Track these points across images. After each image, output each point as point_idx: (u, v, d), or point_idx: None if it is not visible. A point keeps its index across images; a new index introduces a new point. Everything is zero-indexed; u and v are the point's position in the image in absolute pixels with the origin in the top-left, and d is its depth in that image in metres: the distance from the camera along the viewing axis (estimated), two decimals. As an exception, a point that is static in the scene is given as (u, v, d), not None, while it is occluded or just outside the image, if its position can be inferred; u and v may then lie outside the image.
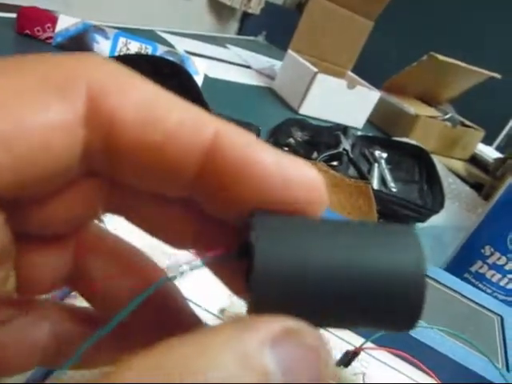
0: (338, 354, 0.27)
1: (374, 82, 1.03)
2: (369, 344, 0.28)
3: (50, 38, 0.68)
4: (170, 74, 0.47)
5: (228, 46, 1.29)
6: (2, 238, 0.10)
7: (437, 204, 0.64)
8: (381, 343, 0.28)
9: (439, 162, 0.87)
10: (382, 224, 0.11)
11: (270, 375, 0.08)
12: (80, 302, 0.14)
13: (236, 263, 0.11)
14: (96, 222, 0.13)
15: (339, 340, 0.29)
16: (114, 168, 0.10)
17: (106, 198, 0.12)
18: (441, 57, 0.96)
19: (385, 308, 0.10)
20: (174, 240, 0.13)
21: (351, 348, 0.28)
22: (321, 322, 0.10)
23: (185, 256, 0.18)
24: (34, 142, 0.09)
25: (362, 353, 0.28)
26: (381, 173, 0.69)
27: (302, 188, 0.10)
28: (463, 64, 0.99)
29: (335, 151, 0.63)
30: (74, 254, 0.12)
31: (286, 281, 0.09)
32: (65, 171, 0.10)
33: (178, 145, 0.10)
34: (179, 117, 0.10)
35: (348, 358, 0.27)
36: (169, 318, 0.13)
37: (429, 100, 1.13)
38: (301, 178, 0.10)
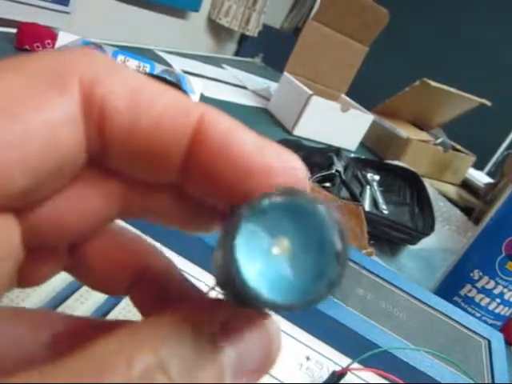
0: (324, 374, 0.27)
1: (367, 105, 1.04)
2: (356, 365, 0.28)
3: (49, 53, 0.69)
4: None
5: (225, 66, 1.31)
6: (13, 244, 0.10)
7: (427, 227, 0.65)
8: (368, 364, 0.28)
9: (430, 185, 0.88)
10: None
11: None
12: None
13: None
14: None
15: (326, 360, 0.28)
16: (106, 156, 0.10)
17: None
18: (433, 83, 0.98)
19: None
20: (165, 223, 0.13)
21: (338, 368, 0.28)
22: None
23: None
24: (43, 138, 0.09)
25: (348, 373, 0.28)
26: (373, 195, 0.70)
27: (282, 174, 0.10)
28: (454, 90, 1.02)
29: (328, 172, 0.63)
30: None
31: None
32: (73, 164, 0.10)
33: (164, 130, 0.10)
34: (164, 103, 0.10)
35: (335, 379, 0.27)
36: (168, 291, 0.13)
37: (420, 124, 1.15)
38: (281, 164, 0.10)
